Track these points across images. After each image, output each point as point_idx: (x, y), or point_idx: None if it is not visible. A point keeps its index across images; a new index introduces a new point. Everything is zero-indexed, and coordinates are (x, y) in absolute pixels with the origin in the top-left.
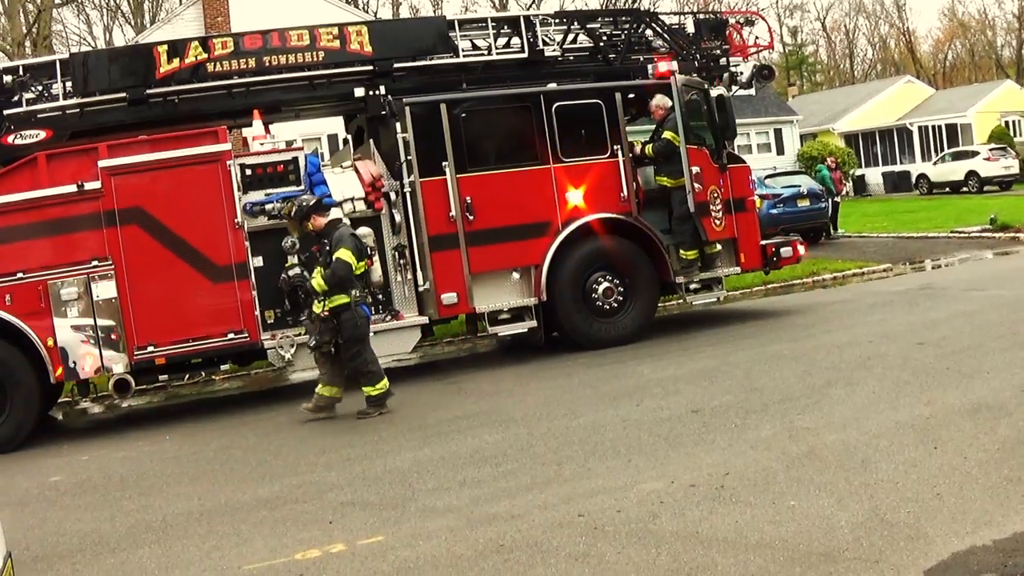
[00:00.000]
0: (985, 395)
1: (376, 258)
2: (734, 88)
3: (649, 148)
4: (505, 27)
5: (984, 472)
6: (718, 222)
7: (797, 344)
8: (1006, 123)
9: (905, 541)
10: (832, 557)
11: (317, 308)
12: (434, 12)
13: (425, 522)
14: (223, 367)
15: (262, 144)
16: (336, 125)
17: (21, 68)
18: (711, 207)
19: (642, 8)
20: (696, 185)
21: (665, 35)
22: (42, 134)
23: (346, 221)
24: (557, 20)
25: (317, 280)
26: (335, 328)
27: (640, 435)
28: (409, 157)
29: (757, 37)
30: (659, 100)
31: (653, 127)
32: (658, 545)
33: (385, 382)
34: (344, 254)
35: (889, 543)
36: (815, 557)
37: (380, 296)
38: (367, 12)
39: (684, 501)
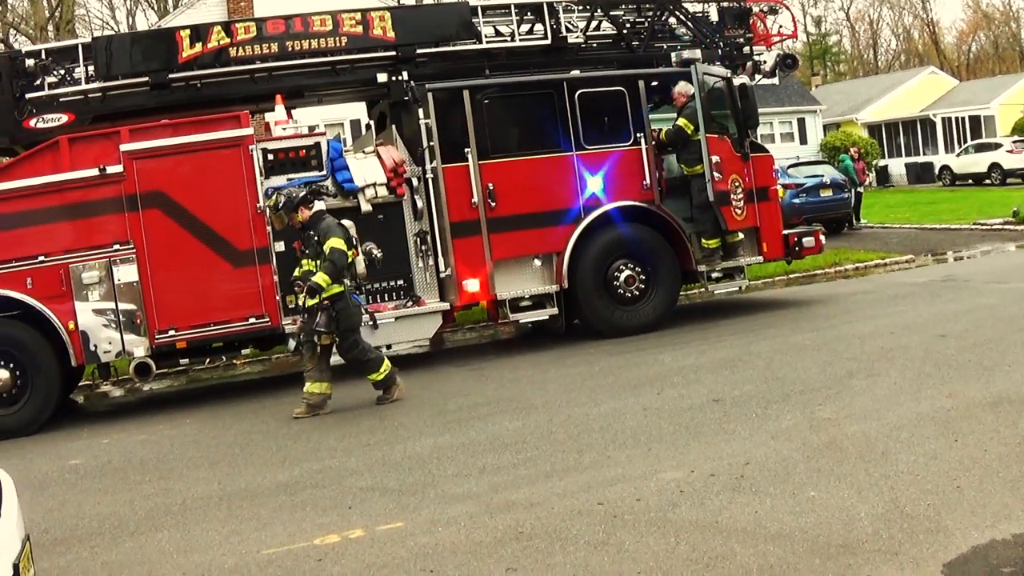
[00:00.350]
0: (1007, 388)
1: (359, 249)
2: (757, 77)
3: (662, 133)
4: (528, 14)
5: (1004, 465)
6: (739, 211)
7: (819, 334)
8: None
9: (924, 534)
10: (851, 549)
11: (311, 302)
12: None
13: (444, 508)
14: (244, 351)
15: (284, 129)
16: (359, 111)
17: (43, 52)
18: (732, 196)
19: None
20: (716, 174)
21: (688, 23)
22: (64, 118)
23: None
24: (580, 7)
25: (321, 276)
26: (336, 318)
27: (660, 424)
28: (431, 143)
29: (781, 26)
30: (681, 87)
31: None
32: (677, 534)
33: (387, 363)
34: (337, 242)
35: (908, 535)
36: (834, 548)
37: (365, 288)
38: None
39: (704, 491)
